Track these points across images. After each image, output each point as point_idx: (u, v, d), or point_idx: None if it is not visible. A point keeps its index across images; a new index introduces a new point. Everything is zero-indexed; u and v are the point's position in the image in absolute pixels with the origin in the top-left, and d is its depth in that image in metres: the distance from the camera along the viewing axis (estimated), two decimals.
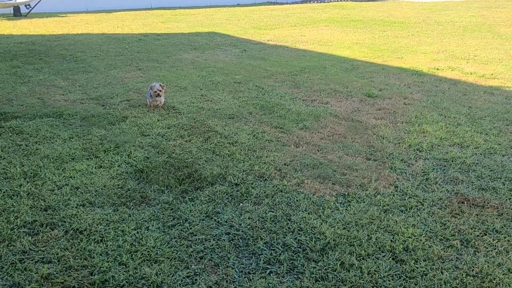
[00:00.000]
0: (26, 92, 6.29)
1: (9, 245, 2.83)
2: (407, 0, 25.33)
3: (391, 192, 3.56)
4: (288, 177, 3.84)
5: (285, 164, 4.08)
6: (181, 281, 2.56)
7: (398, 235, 2.97)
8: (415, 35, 11.90)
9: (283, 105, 5.76)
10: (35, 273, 2.58)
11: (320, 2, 24.93)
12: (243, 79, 7.19)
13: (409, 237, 2.94)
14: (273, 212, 3.28)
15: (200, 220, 3.18)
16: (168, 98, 6.06)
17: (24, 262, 2.69)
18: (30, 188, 3.54)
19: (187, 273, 2.63)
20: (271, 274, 2.63)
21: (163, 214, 3.24)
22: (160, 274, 2.61)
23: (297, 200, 3.44)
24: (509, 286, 2.50)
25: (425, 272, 2.62)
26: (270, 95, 6.23)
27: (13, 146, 4.35)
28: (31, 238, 2.91)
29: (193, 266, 2.68)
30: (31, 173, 3.80)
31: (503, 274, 2.58)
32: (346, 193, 3.55)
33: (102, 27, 13.50)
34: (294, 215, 3.24)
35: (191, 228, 3.07)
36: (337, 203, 3.41)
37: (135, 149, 4.34)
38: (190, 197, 3.49)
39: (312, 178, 3.81)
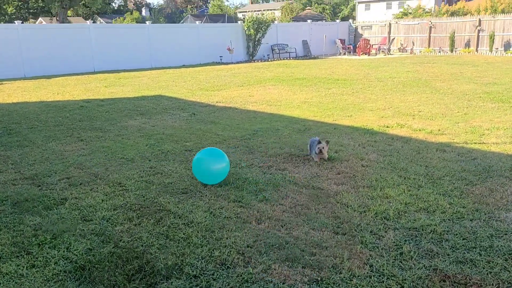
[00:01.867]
0: None
1: None
2: (344, 58, 26.76)
3: (367, 273, 3.25)
4: (253, 262, 3.44)
5: (248, 246, 3.69)
6: None
7: None
8: (360, 92, 12.27)
9: (239, 174, 5.44)
10: None
11: (263, 61, 25.68)
12: (194, 146, 6.86)
13: None
14: None
15: None
16: (114, 172, 5.57)
17: None
18: None
19: None
20: None
21: None
22: None
23: None
24: None
25: None
26: None
27: None
28: None
29: None
30: None
31: None
32: (319, 278, 3.20)
33: (41, 94, 12.86)
34: None
35: None
36: None
37: (75, 240, 3.80)
38: None
39: (280, 262, 3.44)
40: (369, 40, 29.00)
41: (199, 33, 24.80)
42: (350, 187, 5.00)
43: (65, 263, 3.44)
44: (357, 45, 29.28)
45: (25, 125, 8.53)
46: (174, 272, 3.32)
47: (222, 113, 9.78)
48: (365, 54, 28.00)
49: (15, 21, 19.77)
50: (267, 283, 3.16)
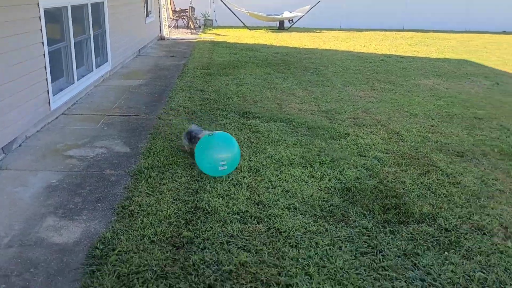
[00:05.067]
0: (269, 96, 7.11)
1: (223, 226, 3.27)
2: None
3: None
4: None
5: None
6: None
7: None
8: None
9: None
10: (235, 257, 2.91)
11: None
12: (486, 115, 6.39)
13: None
14: (484, 273, 2.82)
15: (395, 256, 2.99)
16: (395, 122, 5.89)
17: (230, 244, 3.06)
18: (251, 182, 4.00)
19: None
20: None
21: (359, 239, 3.18)
22: None
23: None
24: None
25: None
26: None
27: (247, 142, 4.98)
28: (240, 226, 3.29)
29: None
30: (254, 169, 4.28)
31: None
32: None
33: (349, 45, 14.08)
34: None
35: (383, 262, 2.92)
36: None
37: (348, 167, 4.39)
38: (391, 230, 3.32)
39: None
40: None
41: None
42: None
43: (336, 182, 4.08)
44: None
45: (330, 69, 9.73)
46: (426, 219, 3.48)
47: None
48: None
49: None
50: None
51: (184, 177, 4.04)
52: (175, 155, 4.50)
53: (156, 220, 3.30)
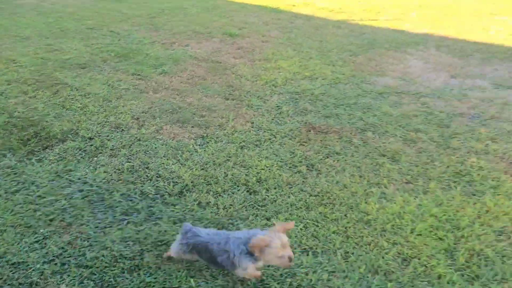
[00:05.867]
0: None
1: None
2: None
3: (248, 128, 3.70)
4: (146, 125, 3.74)
5: (143, 112, 3.96)
6: (28, 247, 2.40)
7: (252, 168, 3.14)
8: None
9: (141, 50, 5.49)
10: None
11: None
12: (96, 24, 6.64)
13: (262, 169, 3.13)
14: (130, 162, 3.20)
15: (49, 181, 2.97)
16: (7, 50, 5.35)
17: None
18: None
19: (35, 238, 2.47)
20: (128, 225, 2.60)
21: (5, 181, 2.94)
22: (3, 243, 2.41)
23: (155, 147, 3.39)
24: (343, 199, 2.84)
25: (274, 199, 2.83)
26: (127, 41, 5.88)
27: None
28: None
29: (41, 230, 2.53)
30: None
31: (339, 190, 2.92)
32: (205, 135, 3.60)
33: None
34: (152, 162, 3.20)
35: (38, 191, 2.85)
36: (196, 145, 3.45)
37: None
38: (38, 158, 3.22)
39: (171, 123, 3.77)
40: None
41: None
42: (247, 60, 5.29)
43: None
44: None
45: None
46: (69, 135, 3.53)
47: None
48: None
49: None
50: (157, 140, 3.50)
51: None
52: None
53: None
